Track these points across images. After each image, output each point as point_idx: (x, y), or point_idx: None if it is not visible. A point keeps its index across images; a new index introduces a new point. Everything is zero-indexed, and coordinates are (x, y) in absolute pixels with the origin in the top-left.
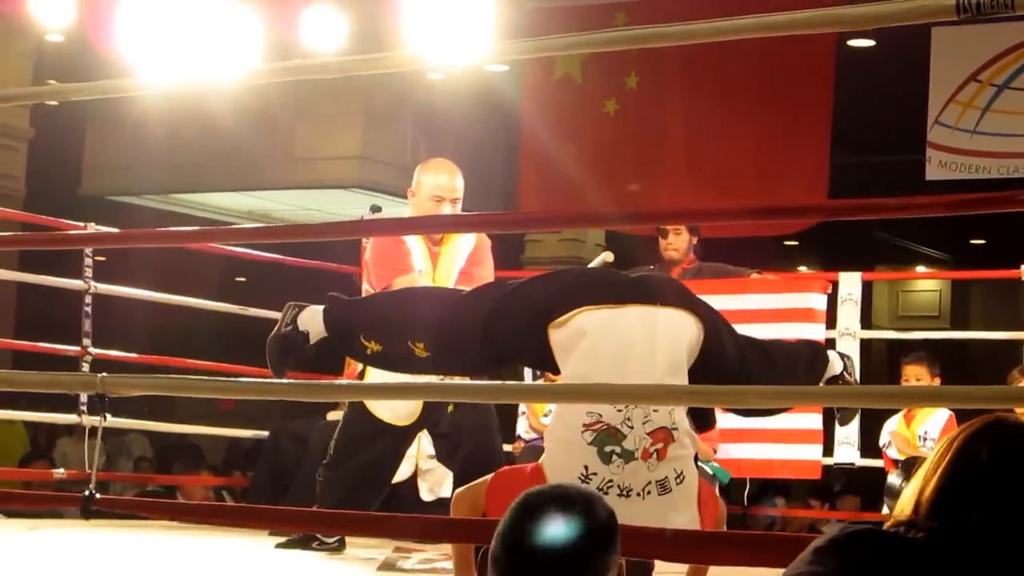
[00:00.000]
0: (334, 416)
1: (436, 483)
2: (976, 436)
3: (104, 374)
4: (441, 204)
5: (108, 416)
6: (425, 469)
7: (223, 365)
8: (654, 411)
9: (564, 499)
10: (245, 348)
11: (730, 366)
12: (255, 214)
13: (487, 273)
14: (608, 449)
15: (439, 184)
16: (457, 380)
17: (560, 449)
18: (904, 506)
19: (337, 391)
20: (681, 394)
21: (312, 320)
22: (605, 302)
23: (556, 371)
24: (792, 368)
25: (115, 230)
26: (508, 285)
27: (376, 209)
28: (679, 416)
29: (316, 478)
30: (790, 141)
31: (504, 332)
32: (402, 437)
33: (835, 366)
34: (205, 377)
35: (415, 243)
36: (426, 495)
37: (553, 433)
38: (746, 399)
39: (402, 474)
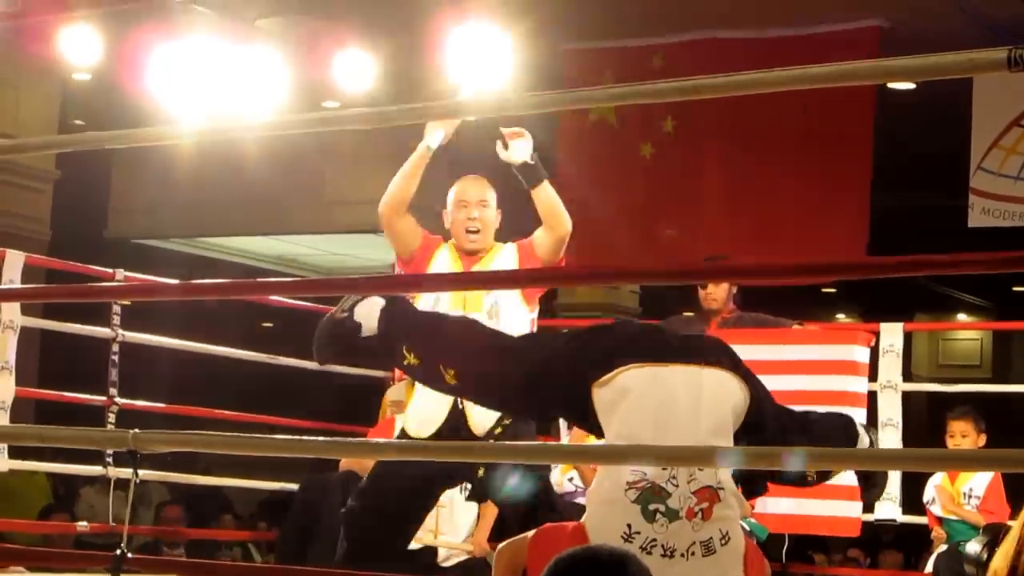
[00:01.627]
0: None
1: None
2: None
3: (136, 430)
4: (468, 208)
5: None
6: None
7: (252, 416)
8: (699, 470)
9: (595, 562)
10: (273, 395)
11: (769, 435)
12: (284, 259)
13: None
14: (652, 507)
15: (463, 189)
16: (498, 441)
17: (603, 507)
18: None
19: (371, 449)
20: (726, 455)
21: (368, 314)
22: (650, 360)
23: (599, 432)
24: (827, 439)
25: (145, 277)
26: (560, 337)
27: None
28: (724, 476)
29: (343, 514)
30: (830, 186)
31: (549, 387)
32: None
33: (863, 441)
34: (238, 434)
35: (445, 256)
36: (444, 561)
37: (596, 491)
38: (790, 461)
39: (421, 541)
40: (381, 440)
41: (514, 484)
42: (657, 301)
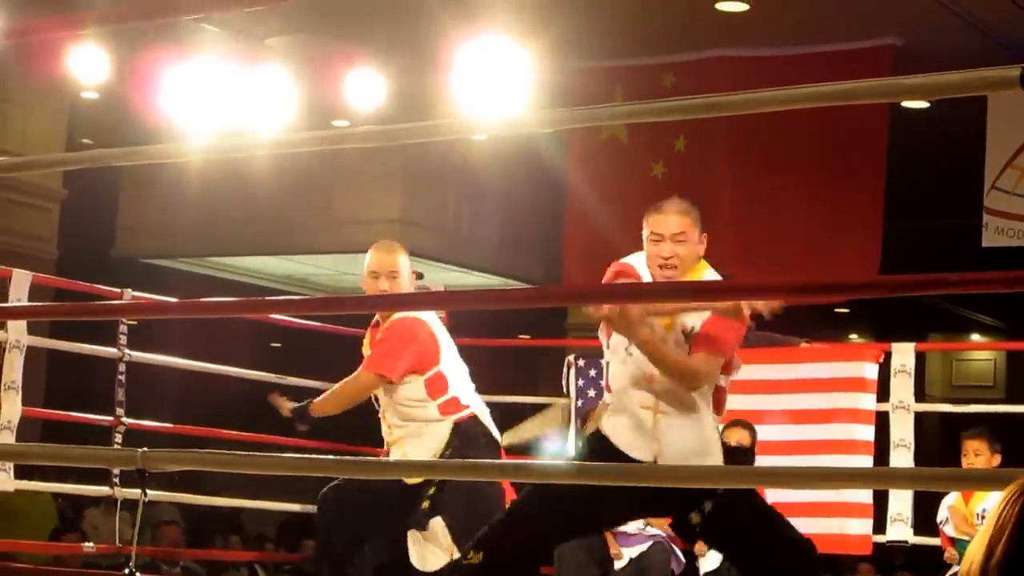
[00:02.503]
0: None
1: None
2: None
3: (144, 449)
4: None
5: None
6: None
7: (259, 436)
8: None
9: None
10: (280, 417)
11: None
12: (293, 278)
13: None
14: None
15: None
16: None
17: None
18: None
19: (380, 468)
20: (739, 475)
21: None
22: None
23: None
24: None
25: (153, 296)
26: None
27: (418, 276)
28: None
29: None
30: (842, 205)
31: None
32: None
33: None
34: (246, 452)
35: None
36: None
37: None
38: (797, 481)
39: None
40: (387, 459)
41: None
42: None
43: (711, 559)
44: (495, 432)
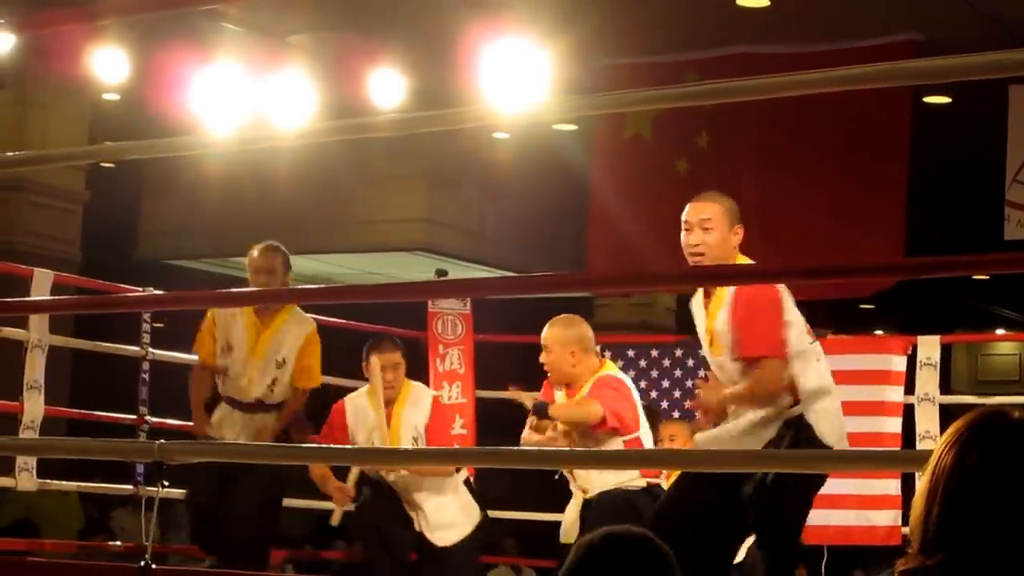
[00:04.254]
0: None
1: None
2: (966, 445)
3: (162, 441)
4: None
5: (165, 485)
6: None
7: None
8: None
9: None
10: (307, 414)
11: None
12: (318, 278)
13: None
14: None
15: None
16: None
17: None
18: (913, 537)
19: (401, 457)
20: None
21: None
22: None
23: None
24: None
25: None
26: None
27: (442, 273)
28: None
29: None
30: (866, 201)
31: None
32: None
33: None
34: (266, 443)
35: None
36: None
37: None
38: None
39: None
40: (405, 448)
41: None
42: (692, 319)
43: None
44: None
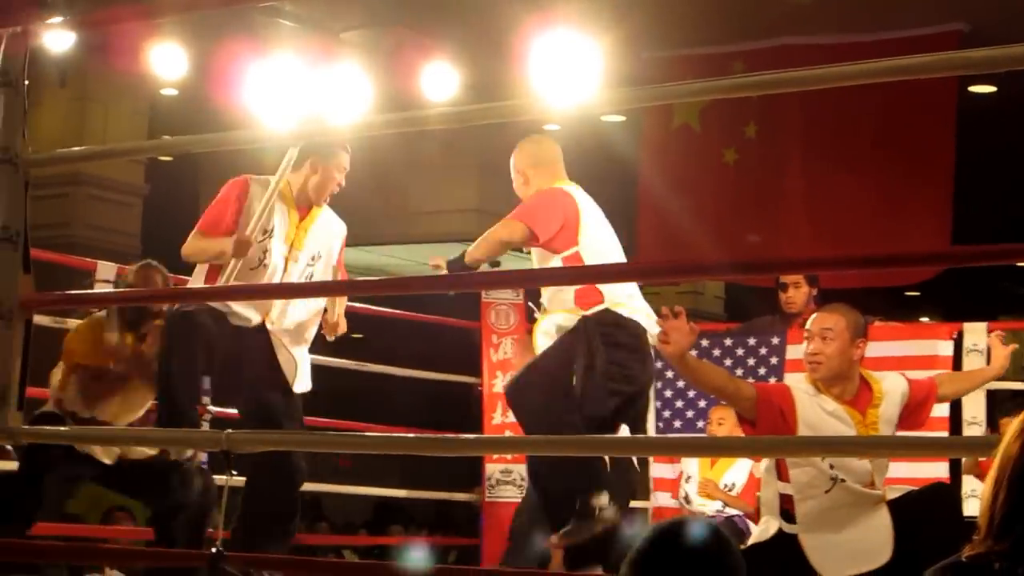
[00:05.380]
0: None
1: None
2: None
3: (229, 430)
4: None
5: (233, 474)
6: None
7: (342, 422)
8: None
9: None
10: (362, 405)
11: None
12: (373, 269)
13: None
14: None
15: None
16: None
17: None
18: (981, 523)
19: (464, 445)
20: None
21: None
22: None
23: None
24: None
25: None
26: None
27: (495, 264)
28: None
29: None
30: (912, 191)
31: None
32: None
33: None
34: (329, 432)
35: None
36: None
37: None
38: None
39: None
40: (472, 436)
41: None
42: (741, 306)
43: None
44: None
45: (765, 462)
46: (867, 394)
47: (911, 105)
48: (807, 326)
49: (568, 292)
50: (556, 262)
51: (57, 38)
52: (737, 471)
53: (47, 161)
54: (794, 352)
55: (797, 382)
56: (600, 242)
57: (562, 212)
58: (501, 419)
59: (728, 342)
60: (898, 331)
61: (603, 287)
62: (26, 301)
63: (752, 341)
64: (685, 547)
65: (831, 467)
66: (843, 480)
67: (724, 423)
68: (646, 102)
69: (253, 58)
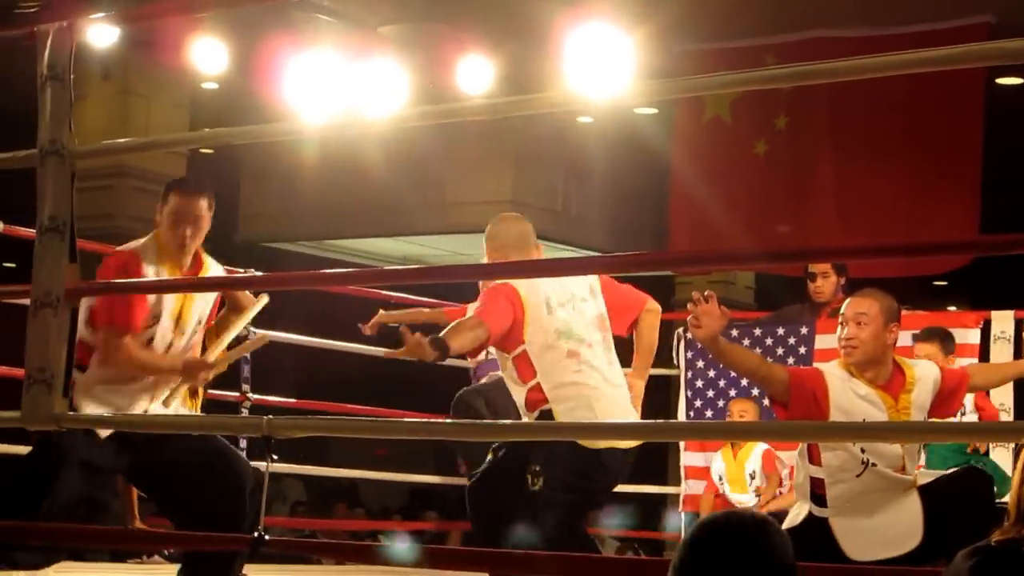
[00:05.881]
0: None
1: None
2: None
3: (270, 416)
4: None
5: (274, 459)
6: None
7: (379, 409)
8: None
9: (740, 525)
10: (398, 392)
11: None
12: (408, 259)
13: None
14: None
15: None
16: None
17: None
18: (1011, 509)
19: (500, 431)
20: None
21: None
22: None
23: None
24: None
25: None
26: None
27: None
28: None
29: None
30: (940, 182)
31: None
32: None
33: None
34: (369, 418)
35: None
36: None
37: None
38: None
39: None
40: (508, 421)
41: None
42: (771, 296)
43: None
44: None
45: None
46: (900, 379)
47: (939, 97)
48: (841, 311)
49: (520, 394)
50: (509, 362)
51: (101, 33)
52: (754, 458)
53: (93, 153)
54: (823, 342)
55: (830, 366)
56: (545, 333)
57: (511, 310)
58: None
59: (757, 332)
60: (926, 319)
61: (550, 390)
62: (72, 290)
63: (781, 331)
64: (730, 545)
65: (862, 451)
66: (874, 464)
67: (746, 415)
68: (678, 93)
69: (292, 53)
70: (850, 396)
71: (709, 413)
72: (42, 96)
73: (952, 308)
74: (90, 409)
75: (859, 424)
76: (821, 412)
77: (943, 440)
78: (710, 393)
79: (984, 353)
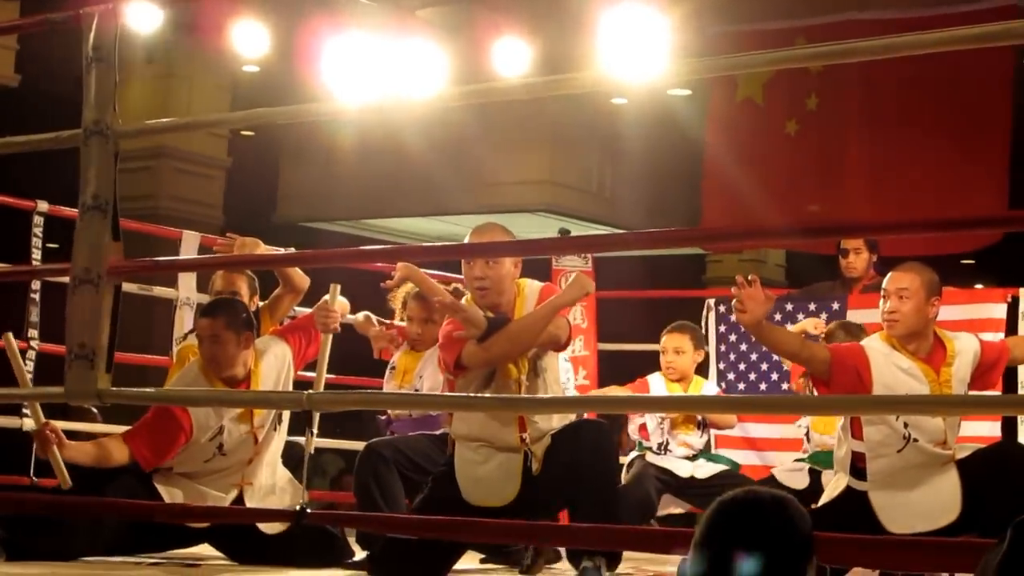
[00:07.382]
0: None
1: None
2: None
3: (310, 391)
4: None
5: (314, 433)
6: None
7: None
8: None
9: (758, 504)
10: None
11: None
12: (444, 238)
13: None
14: None
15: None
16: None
17: None
18: None
19: (538, 405)
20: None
21: None
22: None
23: None
24: None
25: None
26: None
27: (565, 232)
28: None
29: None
30: (969, 160)
31: None
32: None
33: None
34: (406, 391)
35: None
36: None
37: None
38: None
39: None
40: (549, 395)
41: None
42: (802, 274)
43: None
44: None
45: (839, 421)
46: (941, 352)
47: (969, 76)
48: (883, 285)
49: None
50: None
51: (144, 16)
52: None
53: (136, 133)
54: (854, 317)
55: (871, 341)
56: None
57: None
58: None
59: (789, 306)
60: (954, 296)
61: None
62: (115, 267)
63: (812, 306)
64: (750, 522)
65: (905, 426)
66: (916, 440)
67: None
68: (713, 72)
69: (331, 35)
70: (893, 370)
71: (741, 386)
72: (87, 77)
73: (979, 285)
74: None
75: (899, 396)
76: (864, 387)
77: (988, 414)
78: (742, 366)
79: (1011, 328)
